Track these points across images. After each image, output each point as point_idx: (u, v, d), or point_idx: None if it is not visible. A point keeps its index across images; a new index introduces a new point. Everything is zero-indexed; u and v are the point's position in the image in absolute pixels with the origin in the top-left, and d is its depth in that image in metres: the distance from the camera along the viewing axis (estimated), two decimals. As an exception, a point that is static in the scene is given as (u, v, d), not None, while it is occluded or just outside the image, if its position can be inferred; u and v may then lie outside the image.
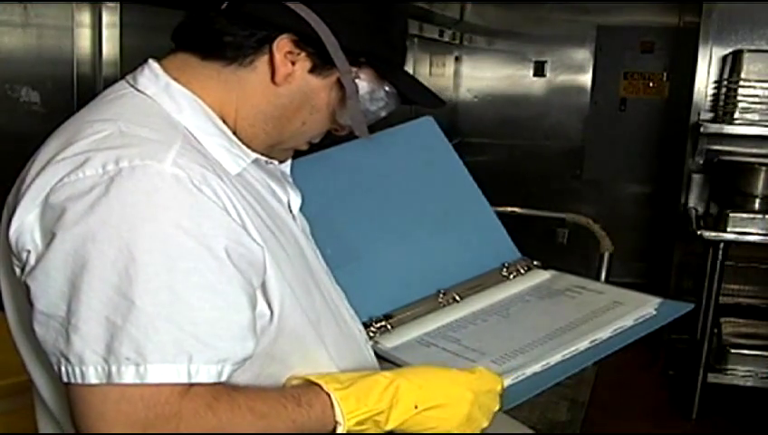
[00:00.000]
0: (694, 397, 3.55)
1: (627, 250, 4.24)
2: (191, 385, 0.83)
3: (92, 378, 0.81)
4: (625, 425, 3.45)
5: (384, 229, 1.33)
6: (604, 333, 1.12)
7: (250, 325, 0.88)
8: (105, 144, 0.87)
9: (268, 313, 0.93)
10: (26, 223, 0.85)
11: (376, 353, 1.17)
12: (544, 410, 1.80)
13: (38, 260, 0.84)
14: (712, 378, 3.56)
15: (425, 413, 0.96)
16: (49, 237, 0.83)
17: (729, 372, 3.59)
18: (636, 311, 1.17)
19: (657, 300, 1.20)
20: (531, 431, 1.66)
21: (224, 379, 0.85)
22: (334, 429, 0.92)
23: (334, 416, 0.92)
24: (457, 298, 1.29)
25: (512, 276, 1.36)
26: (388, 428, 0.95)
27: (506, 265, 1.37)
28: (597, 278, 2.36)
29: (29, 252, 0.85)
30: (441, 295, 1.30)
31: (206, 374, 0.83)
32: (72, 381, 0.82)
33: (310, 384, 0.95)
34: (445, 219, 1.39)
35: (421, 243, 1.34)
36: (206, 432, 0.83)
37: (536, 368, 1.06)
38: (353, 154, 1.37)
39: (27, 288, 0.85)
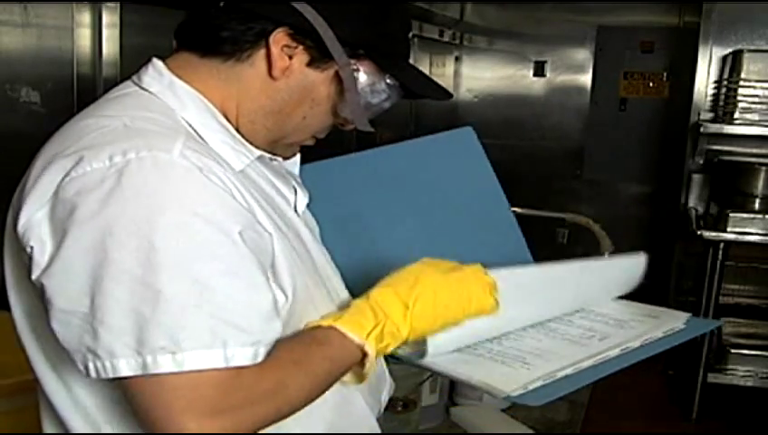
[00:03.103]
0: (694, 397, 3.56)
1: (627, 250, 4.23)
2: None
3: (125, 370, 0.81)
4: (625, 425, 3.45)
5: (409, 236, 1.31)
6: (634, 343, 1.12)
7: (273, 306, 0.89)
8: (110, 137, 0.87)
9: (282, 296, 0.94)
10: (34, 220, 0.85)
11: (394, 357, 1.16)
12: (544, 410, 1.80)
13: (53, 258, 0.84)
14: (712, 378, 3.56)
15: (419, 308, 0.97)
16: (61, 234, 0.83)
17: (729, 372, 3.59)
18: (665, 324, 1.18)
19: (686, 315, 1.21)
20: (531, 431, 1.66)
21: (259, 360, 0.86)
22: (364, 354, 0.94)
23: (353, 341, 0.93)
24: None
25: None
26: (405, 333, 0.97)
27: None
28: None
29: (39, 249, 0.85)
30: None
31: (241, 358, 0.83)
32: (103, 375, 0.82)
33: (309, 329, 0.95)
34: (471, 232, 1.38)
35: (446, 252, 1.33)
36: (265, 395, 0.85)
37: (568, 371, 1.06)
38: (387, 158, 1.37)
39: (41, 287, 0.85)
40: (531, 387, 1.02)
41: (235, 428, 0.83)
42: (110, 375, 0.82)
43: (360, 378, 0.97)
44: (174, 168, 0.85)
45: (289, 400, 0.88)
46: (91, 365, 0.83)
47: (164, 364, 0.80)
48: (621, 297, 1.34)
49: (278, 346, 0.89)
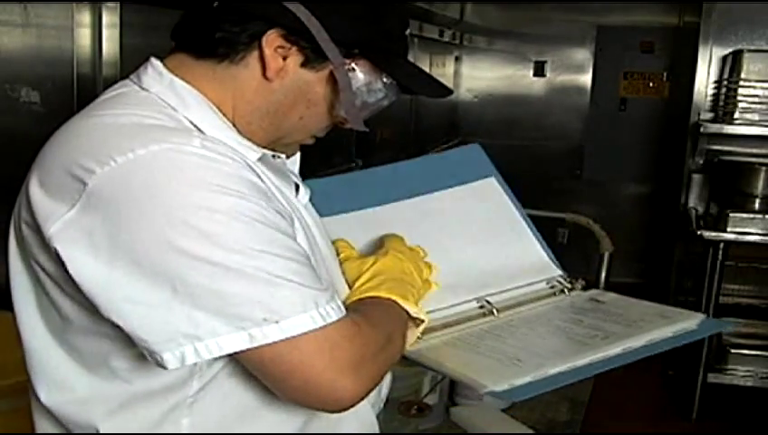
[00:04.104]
0: (694, 397, 3.56)
1: (627, 250, 4.24)
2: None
3: (232, 347, 0.83)
4: (625, 425, 3.45)
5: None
6: (638, 342, 1.12)
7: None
8: (125, 133, 0.87)
9: None
10: (64, 222, 0.84)
11: None
12: (544, 410, 1.80)
13: (111, 257, 0.82)
14: (712, 378, 3.56)
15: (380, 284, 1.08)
16: (112, 233, 0.82)
17: (729, 372, 3.59)
18: (676, 325, 1.17)
19: (700, 316, 1.20)
20: (531, 431, 1.66)
21: (344, 312, 0.90)
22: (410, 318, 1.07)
23: (409, 312, 1.06)
24: (495, 310, 1.27)
25: (555, 295, 1.34)
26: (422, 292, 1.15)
27: (550, 283, 1.35)
28: (597, 278, 2.36)
29: (81, 250, 0.83)
30: (477, 305, 1.27)
31: (334, 313, 0.87)
32: (205, 356, 0.83)
33: (370, 298, 1.05)
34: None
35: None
36: (385, 341, 0.95)
37: (562, 368, 1.05)
38: (395, 174, 1.37)
39: (88, 287, 0.84)
40: (517, 383, 1.02)
41: (374, 377, 0.92)
42: (216, 354, 0.83)
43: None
44: (200, 156, 0.86)
45: (397, 351, 1.00)
46: (188, 350, 0.83)
47: (271, 334, 0.83)
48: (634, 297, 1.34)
49: (360, 308, 0.98)
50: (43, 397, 0.97)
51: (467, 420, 1.70)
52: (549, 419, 1.77)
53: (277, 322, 0.83)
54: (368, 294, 1.05)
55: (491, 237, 1.37)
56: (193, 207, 0.82)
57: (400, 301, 1.05)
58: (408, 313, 1.06)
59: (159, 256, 0.82)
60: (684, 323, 1.17)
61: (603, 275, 2.39)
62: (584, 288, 1.36)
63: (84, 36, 2.17)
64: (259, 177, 0.93)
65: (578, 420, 1.78)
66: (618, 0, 5.05)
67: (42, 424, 1.00)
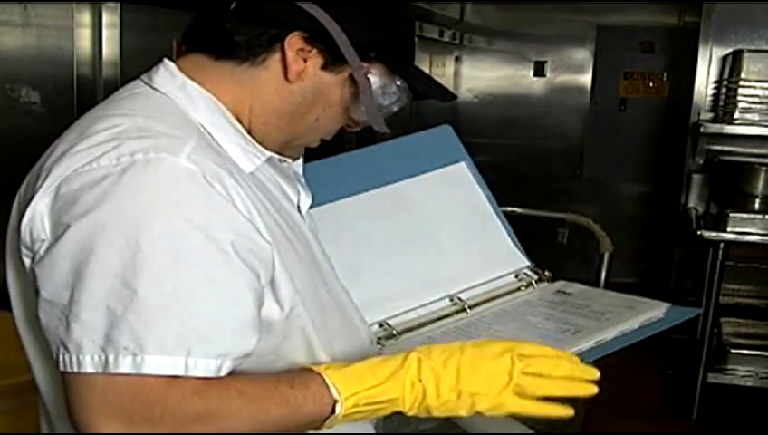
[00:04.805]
0: (694, 397, 3.55)
1: (627, 250, 4.25)
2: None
3: (89, 367, 0.80)
4: (625, 425, 3.45)
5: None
6: (609, 335, 1.13)
7: (253, 321, 0.88)
8: (122, 136, 0.87)
9: (278, 310, 0.93)
10: (37, 212, 0.86)
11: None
12: (544, 410, 1.79)
13: (48, 248, 0.84)
14: (712, 378, 3.56)
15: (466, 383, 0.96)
16: (60, 226, 0.84)
17: (729, 372, 3.59)
18: (643, 315, 1.18)
19: (665, 305, 1.21)
20: (531, 431, 1.66)
21: (223, 374, 0.84)
22: (333, 410, 0.88)
23: (331, 395, 0.88)
24: (467, 306, 1.28)
25: (523, 287, 1.35)
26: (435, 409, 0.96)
27: (518, 275, 1.36)
28: (597, 278, 2.36)
29: (43, 241, 0.85)
30: (450, 302, 1.29)
31: (203, 368, 0.82)
32: (69, 369, 0.81)
33: (306, 369, 0.92)
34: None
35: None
36: (190, 418, 0.81)
37: None
38: (368, 159, 1.38)
39: (34, 276, 0.86)
40: None
41: None
42: (75, 370, 0.81)
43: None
44: (177, 172, 0.85)
45: (219, 429, 0.83)
46: (61, 358, 0.82)
47: (123, 365, 0.80)
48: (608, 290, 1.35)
49: (247, 377, 0.87)
50: (41, 394, 0.97)
51: (467, 420, 1.70)
52: (549, 419, 1.76)
53: (135, 354, 0.80)
54: (317, 369, 0.90)
55: (461, 228, 1.39)
56: (134, 221, 0.82)
57: (332, 385, 0.88)
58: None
59: (79, 257, 0.82)
60: (650, 313, 1.19)
61: (603, 275, 2.39)
62: (551, 280, 1.37)
63: (84, 36, 2.17)
64: (252, 190, 0.93)
65: (578, 421, 1.78)
66: (618, 0, 5.05)
67: (44, 422, 1.00)
